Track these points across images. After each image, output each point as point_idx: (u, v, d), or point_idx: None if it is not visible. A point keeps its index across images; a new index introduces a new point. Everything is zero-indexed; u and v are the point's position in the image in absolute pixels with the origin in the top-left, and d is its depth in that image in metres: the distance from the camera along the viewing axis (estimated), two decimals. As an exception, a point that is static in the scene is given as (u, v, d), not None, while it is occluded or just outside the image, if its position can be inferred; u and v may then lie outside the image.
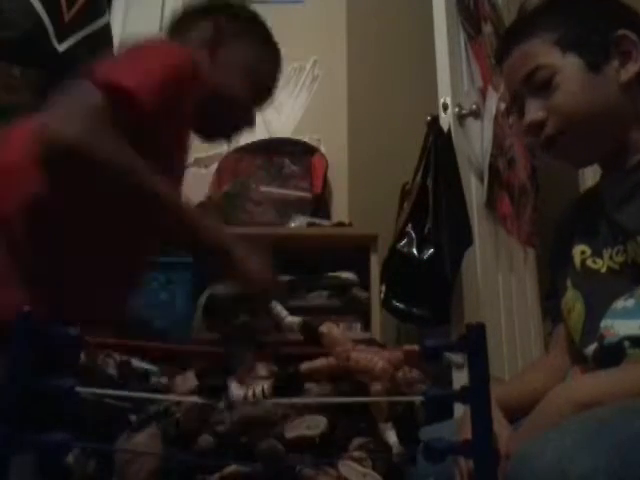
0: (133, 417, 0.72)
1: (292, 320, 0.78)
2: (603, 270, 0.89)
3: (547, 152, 0.95)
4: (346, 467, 0.64)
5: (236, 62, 1.18)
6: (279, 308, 0.81)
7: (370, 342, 1.08)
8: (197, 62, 1.08)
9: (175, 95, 1.02)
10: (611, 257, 0.88)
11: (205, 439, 0.65)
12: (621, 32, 0.89)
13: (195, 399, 0.66)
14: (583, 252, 0.93)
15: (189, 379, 0.70)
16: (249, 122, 1.24)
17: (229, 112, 1.18)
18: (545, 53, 0.92)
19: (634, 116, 0.90)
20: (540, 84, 0.92)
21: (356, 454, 0.66)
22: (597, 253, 0.91)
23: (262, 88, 1.23)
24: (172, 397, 0.67)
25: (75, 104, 0.91)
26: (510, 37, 0.98)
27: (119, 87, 0.92)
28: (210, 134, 1.24)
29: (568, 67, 0.91)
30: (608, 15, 0.93)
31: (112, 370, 1.56)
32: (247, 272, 1.00)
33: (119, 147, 0.91)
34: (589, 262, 0.91)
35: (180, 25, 1.24)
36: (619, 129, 0.91)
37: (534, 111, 0.93)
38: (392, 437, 0.69)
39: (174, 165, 1.15)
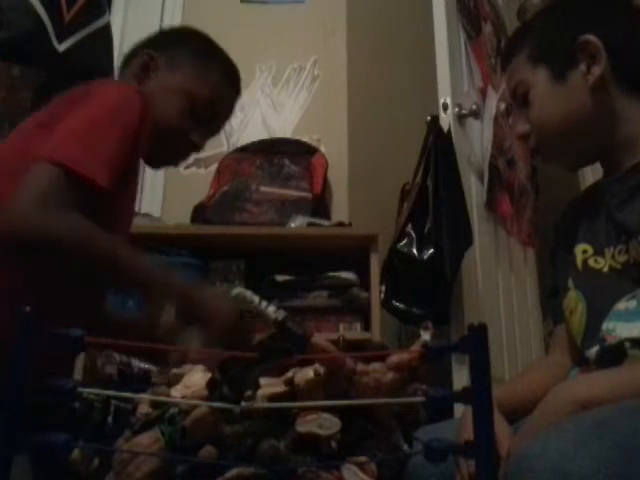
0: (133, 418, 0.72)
1: (275, 311, 0.74)
2: (605, 270, 0.89)
3: (536, 159, 1.00)
4: (348, 471, 0.64)
5: (167, 87, 1.16)
6: (256, 299, 0.77)
7: (373, 346, 1.08)
8: (144, 97, 1.07)
9: (133, 152, 1.03)
10: (613, 256, 0.88)
11: (207, 450, 0.65)
12: (584, 37, 0.92)
13: (208, 404, 0.65)
14: (585, 251, 0.93)
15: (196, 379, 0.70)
16: (192, 146, 1.21)
17: (165, 137, 1.15)
18: (522, 69, 0.97)
19: (614, 116, 0.92)
20: (521, 99, 0.98)
21: (361, 458, 0.65)
22: (599, 252, 0.91)
23: (204, 110, 1.18)
24: (184, 401, 0.66)
25: (31, 191, 0.92)
26: (503, 55, 1.04)
27: (77, 173, 0.93)
28: (153, 162, 1.23)
29: (538, 81, 0.95)
30: (572, 22, 0.95)
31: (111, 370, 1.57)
32: (214, 313, 0.96)
33: (75, 230, 0.94)
34: (591, 261, 0.92)
35: (124, 63, 1.24)
36: (599, 130, 0.93)
37: (520, 124, 1.00)
38: (401, 441, 0.69)
39: (128, 203, 1.16)
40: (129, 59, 1.23)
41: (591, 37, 0.91)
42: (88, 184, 0.93)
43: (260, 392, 0.65)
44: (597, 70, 0.91)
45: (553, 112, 0.94)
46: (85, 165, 0.94)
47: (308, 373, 0.67)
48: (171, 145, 1.19)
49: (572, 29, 0.93)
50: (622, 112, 0.92)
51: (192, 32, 1.27)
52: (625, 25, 0.94)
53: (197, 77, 1.17)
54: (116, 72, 1.70)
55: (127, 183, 1.08)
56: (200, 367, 0.73)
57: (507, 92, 1.03)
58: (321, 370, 0.67)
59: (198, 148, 1.22)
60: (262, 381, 0.66)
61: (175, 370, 0.73)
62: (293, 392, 0.66)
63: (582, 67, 0.92)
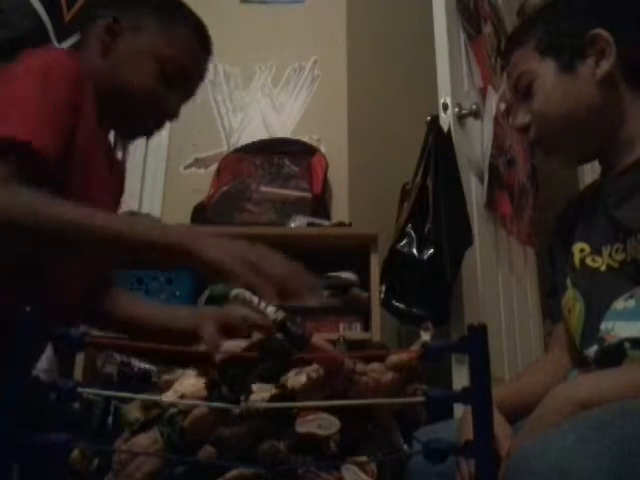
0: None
1: (275, 312, 0.73)
2: (602, 268, 0.89)
3: (538, 150, 0.99)
4: (348, 471, 0.64)
5: (134, 51, 1.09)
6: (255, 299, 0.76)
7: (372, 345, 1.08)
8: (78, 66, 1.01)
9: (70, 119, 0.96)
10: (610, 255, 0.88)
11: (207, 450, 0.65)
12: (595, 31, 0.91)
13: (207, 404, 0.65)
14: (582, 250, 0.93)
15: (189, 381, 0.70)
16: (166, 112, 1.14)
17: (136, 104, 1.10)
18: (527, 60, 0.96)
19: (618, 113, 0.91)
20: (524, 90, 0.97)
21: (361, 459, 0.65)
22: (596, 251, 0.91)
23: (175, 72, 1.11)
24: (183, 402, 0.66)
25: None
26: (507, 47, 1.02)
27: (16, 143, 0.87)
28: (126, 132, 1.18)
29: (545, 71, 0.94)
30: (583, 15, 0.95)
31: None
32: (225, 261, 0.81)
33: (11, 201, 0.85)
34: (588, 260, 0.92)
35: (83, 25, 1.17)
36: (602, 126, 0.92)
37: (520, 116, 0.98)
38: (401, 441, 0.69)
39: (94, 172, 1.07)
40: (87, 22, 1.15)
41: (602, 31, 0.90)
42: (27, 150, 0.87)
43: (252, 397, 0.65)
44: (605, 65, 0.90)
45: (558, 103, 0.93)
46: (22, 133, 0.88)
47: (300, 379, 0.67)
48: (144, 113, 1.12)
49: (583, 22, 0.93)
50: (628, 109, 0.91)
51: None
52: (636, 21, 0.93)
53: (165, 39, 1.11)
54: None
55: (78, 169, 1.00)
56: (191, 372, 0.72)
57: (509, 82, 1.00)
58: (314, 374, 0.67)
59: (173, 116, 1.16)
60: (254, 387, 0.66)
61: (166, 376, 0.73)
62: (292, 394, 0.66)
63: (590, 61, 0.91)
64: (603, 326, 0.84)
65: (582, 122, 0.92)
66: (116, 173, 1.21)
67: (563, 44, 0.93)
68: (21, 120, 0.90)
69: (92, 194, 1.05)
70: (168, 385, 0.71)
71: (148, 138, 1.21)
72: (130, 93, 1.09)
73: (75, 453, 0.69)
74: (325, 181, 2.19)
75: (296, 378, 0.67)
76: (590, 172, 2.49)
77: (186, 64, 1.14)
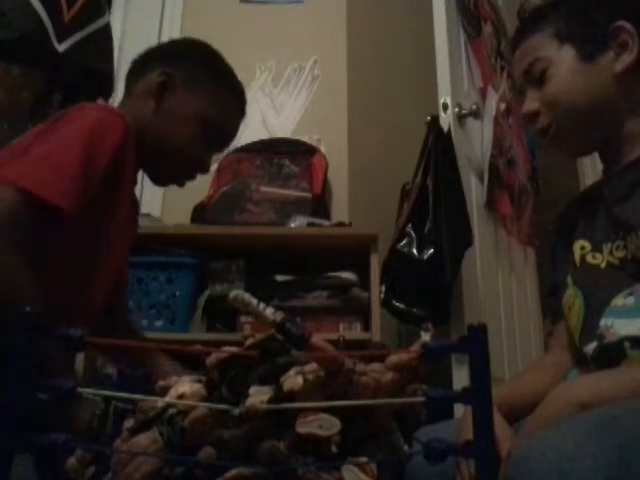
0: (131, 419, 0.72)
1: (273, 313, 0.74)
2: (602, 265, 0.89)
3: (543, 140, 0.98)
4: (349, 472, 0.64)
5: (183, 111, 1.14)
6: (254, 301, 0.77)
7: (373, 345, 1.08)
8: (126, 126, 1.02)
9: (101, 180, 0.98)
10: (611, 252, 0.88)
11: (207, 451, 0.65)
12: (619, 23, 0.90)
13: (207, 405, 0.65)
14: (583, 247, 0.93)
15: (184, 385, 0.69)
16: (200, 168, 1.21)
17: (175, 161, 1.16)
18: (544, 46, 0.95)
19: (629, 108, 0.91)
20: (537, 76, 0.95)
21: (361, 459, 0.65)
22: (597, 248, 0.91)
23: (215, 135, 1.18)
24: (183, 402, 0.66)
25: None
26: (518, 32, 1.01)
27: (36, 196, 0.88)
28: (158, 180, 1.23)
29: (563, 58, 0.93)
30: (607, 6, 0.94)
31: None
32: None
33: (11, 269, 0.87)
34: (589, 257, 0.92)
35: (134, 71, 1.20)
36: (612, 120, 0.92)
37: (529, 102, 0.96)
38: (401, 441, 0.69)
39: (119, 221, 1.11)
40: (139, 71, 1.19)
41: (626, 24, 0.90)
42: (51, 209, 0.90)
43: (249, 401, 0.64)
44: (627, 58, 0.89)
45: (574, 92, 0.92)
46: (48, 189, 0.90)
47: (297, 380, 0.66)
48: (180, 168, 1.19)
49: (607, 13, 0.92)
50: (636, 104, 0.90)
51: (206, 50, 1.25)
52: None
53: (213, 104, 1.17)
54: (116, 72, 1.71)
55: (114, 209, 1.06)
56: (187, 378, 0.72)
57: (519, 68, 0.98)
58: (310, 377, 0.67)
59: (205, 171, 1.23)
60: (251, 390, 0.66)
61: (161, 383, 0.73)
62: (291, 396, 0.66)
63: (611, 53, 0.90)
64: (602, 323, 0.84)
65: (595, 113, 0.91)
66: (135, 205, 1.25)
67: (586, 33, 0.92)
68: (58, 183, 0.92)
69: (122, 231, 1.13)
70: (164, 391, 0.71)
71: (179, 186, 1.25)
72: (170, 150, 1.14)
73: (72, 461, 0.69)
74: (325, 181, 2.19)
75: (293, 380, 0.67)
76: (590, 173, 2.50)
77: (228, 131, 1.22)
